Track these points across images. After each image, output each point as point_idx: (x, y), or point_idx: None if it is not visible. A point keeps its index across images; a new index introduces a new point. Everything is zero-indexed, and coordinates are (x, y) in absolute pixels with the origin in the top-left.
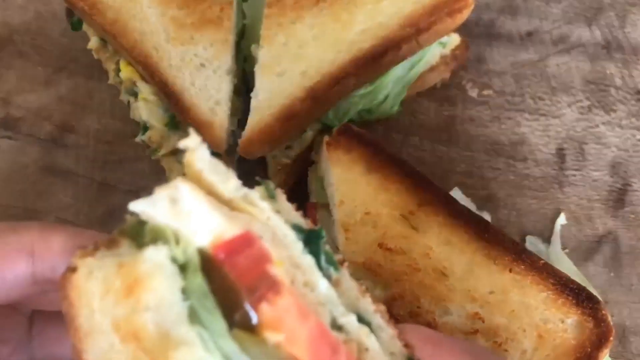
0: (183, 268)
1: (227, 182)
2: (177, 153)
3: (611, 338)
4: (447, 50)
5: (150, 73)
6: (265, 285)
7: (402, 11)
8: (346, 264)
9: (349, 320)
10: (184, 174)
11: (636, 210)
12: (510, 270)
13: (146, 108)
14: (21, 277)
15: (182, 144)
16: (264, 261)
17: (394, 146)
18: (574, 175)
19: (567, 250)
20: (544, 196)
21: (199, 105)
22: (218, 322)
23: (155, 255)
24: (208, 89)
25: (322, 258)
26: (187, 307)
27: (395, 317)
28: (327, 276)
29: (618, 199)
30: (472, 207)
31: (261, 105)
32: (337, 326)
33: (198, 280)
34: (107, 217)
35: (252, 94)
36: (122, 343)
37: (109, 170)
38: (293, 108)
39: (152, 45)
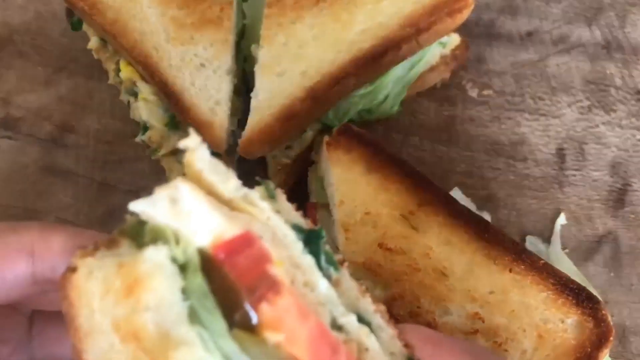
0: (183, 268)
1: (227, 182)
2: (177, 153)
3: (611, 338)
4: (447, 50)
5: (150, 73)
6: (265, 285)
7: (402, 11)
8: (346, 264)
9: (349, 320)
10: (183, 174)
11: (636, 210)
12: (510, 270)
13: (146, 108)
14: (21, 277)
15: (182, 144)
16: (264, 261)
17: (394, 146)
18: (574, 175)
19: (567, 250)
20: (544, 196)
21: (199, 105)
22: (218, 322)
23: (155, 255)
24: (208, 89)
25: (322, 258)
26: (187, 307)
27: (395, 317)
28: (327, 276)
29: (618, 199)
30: (472, 207)
31: (261, 105)
32: (337, 326)
33: (198, 280)
34: (107, 217)
35: (252, 94)
36: (122, 343)
37: (109, 170)
38: (293, 108)
39: (152, 45)
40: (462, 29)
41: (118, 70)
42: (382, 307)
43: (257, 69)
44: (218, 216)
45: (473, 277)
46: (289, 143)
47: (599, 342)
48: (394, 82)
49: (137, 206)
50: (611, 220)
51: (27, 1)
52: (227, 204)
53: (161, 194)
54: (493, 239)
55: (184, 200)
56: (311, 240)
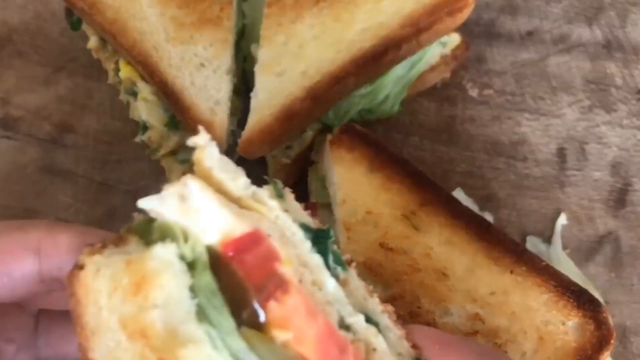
0: (191, 266)
1: (236, 180)
2: (177, 153)
3: (612, 341)
4: (447, 50)
5: (150, 73)
6: (273, 284)
7: (402, 11)
8: (354, 264)
9: (357, 320)
10: (184, 173)
11: (637, 210)
12: (512, 272)
13: (146, 108)
14: (28, 275)
15: (191, 141)
16: (272, 259)
17: (394, 146)
18: (575, 175)
19: (567, 251)
20: (545, 196)
21: (199, 105)
22: (226, 320)
23: (164, 253)
24: (208, 88)
25: (330, 257)
26: (195, 305)
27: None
28: (335, 276)
29: (619, 198)
30: (474, 208)
31: (261, 105)
32: (344, 326)
33: (206, 278)
34: (106, 217)
35: (252, 94)
36: (129, 341)
37: (108, 170)
38: (293, 108)
39: (151, 44)
40: (462, 29)
41: (117, 69)
42: (390, 308)
43: (257, 69)
44: (227, 214)
45: (474, 278)
46: (289, 143)
47: (600, 344)
48: (394, 81)
49: (146, 203)
50: (612, 220)
51: (26, 1)
52: (235, 202)
53: (170, 191)
54: (494, 239)
55: (193, 197)
56: (319, 240)
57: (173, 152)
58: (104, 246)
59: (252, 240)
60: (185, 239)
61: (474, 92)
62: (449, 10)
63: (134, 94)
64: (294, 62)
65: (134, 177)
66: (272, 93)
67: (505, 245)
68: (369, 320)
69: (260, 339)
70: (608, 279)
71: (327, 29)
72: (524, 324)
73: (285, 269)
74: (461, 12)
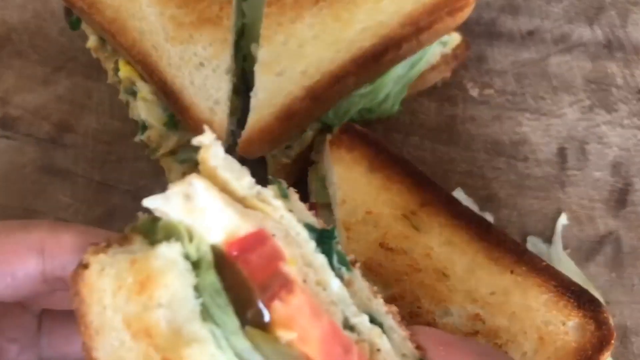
0: (196, 265)
1: (241, 179)
2: (176, 152)
3: (612, 341)
4: (447, 50)
5: (149, 72)
6: (278, 283)
7: (402, 10)
8: (358, 264)
9: (361, 321)
10: (184, 172)
11: (637, 210)
12: (512, 272)
13: (145, 107)
14: (31, 275)
15: (196, 140)
16: (276, 259)
17: (395, 146)
18: (575, 175)
19: (568, 251)
20: (545, 196)
21: (198, 105)
22: (230, 320)
23: (168, 252)
24: (207, 88)
25: (335, 258)
26: (200, 304)
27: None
28: (339, 276)
29: (619, 199)
30: (474, 208)
31: (261, 104)
32: (349, 326)
33: (211, 278)
34: (106, 217)
35: (251, 93)
36: (134, 340)
37: (107, 170)
38: (293, 107)
39: (151, 44)
40: (462, 28)
41: (117, 69)
42: (394, 309)
43: (257, 68)
44: (231, 213)
45: (474, 278)
46: (289, 143)
47: (600, 345)
48: (394, 81)
49: (150, 202)
50: (612, 220)
51: (25, 0)
52: (240, 202)
53: (175, 190)
54: (494, 240)
55: (198, 196)
56: (323, 240)
57: (172, 152)
58: (108, 245)
59: (257, 240)
60: (190, 238)
61: (474, 92)
62: (450, 9)
63: (134, 94)
64: (293, 62)
65: (134, 177)
66: (271, 92)
67: (506, 245)
68: (373, 320)
69: (264, 339)
70: (608, 279)
71: (327, 28)
72: (524, 324)
73: (290, 269)
74: (461, 11)
